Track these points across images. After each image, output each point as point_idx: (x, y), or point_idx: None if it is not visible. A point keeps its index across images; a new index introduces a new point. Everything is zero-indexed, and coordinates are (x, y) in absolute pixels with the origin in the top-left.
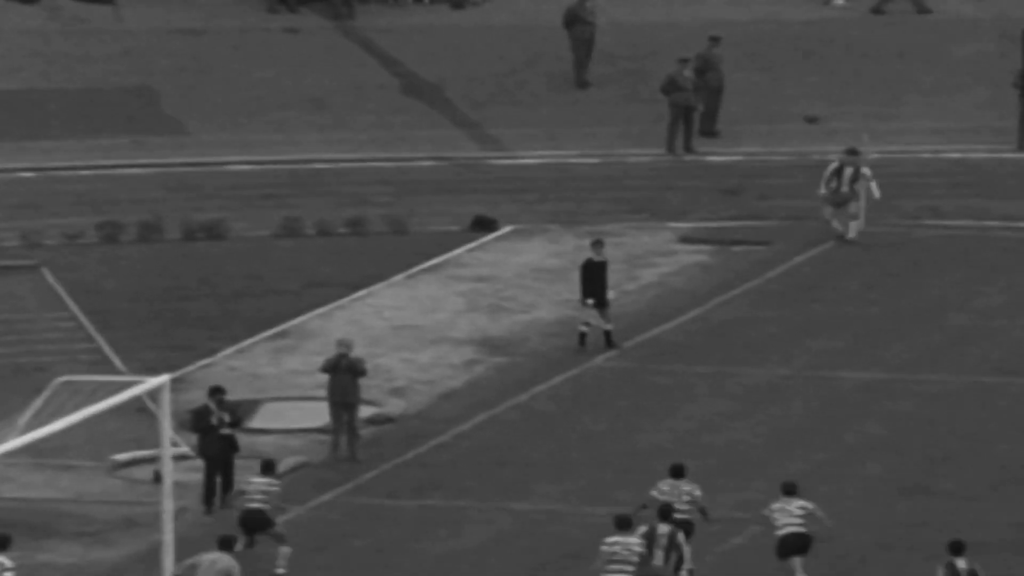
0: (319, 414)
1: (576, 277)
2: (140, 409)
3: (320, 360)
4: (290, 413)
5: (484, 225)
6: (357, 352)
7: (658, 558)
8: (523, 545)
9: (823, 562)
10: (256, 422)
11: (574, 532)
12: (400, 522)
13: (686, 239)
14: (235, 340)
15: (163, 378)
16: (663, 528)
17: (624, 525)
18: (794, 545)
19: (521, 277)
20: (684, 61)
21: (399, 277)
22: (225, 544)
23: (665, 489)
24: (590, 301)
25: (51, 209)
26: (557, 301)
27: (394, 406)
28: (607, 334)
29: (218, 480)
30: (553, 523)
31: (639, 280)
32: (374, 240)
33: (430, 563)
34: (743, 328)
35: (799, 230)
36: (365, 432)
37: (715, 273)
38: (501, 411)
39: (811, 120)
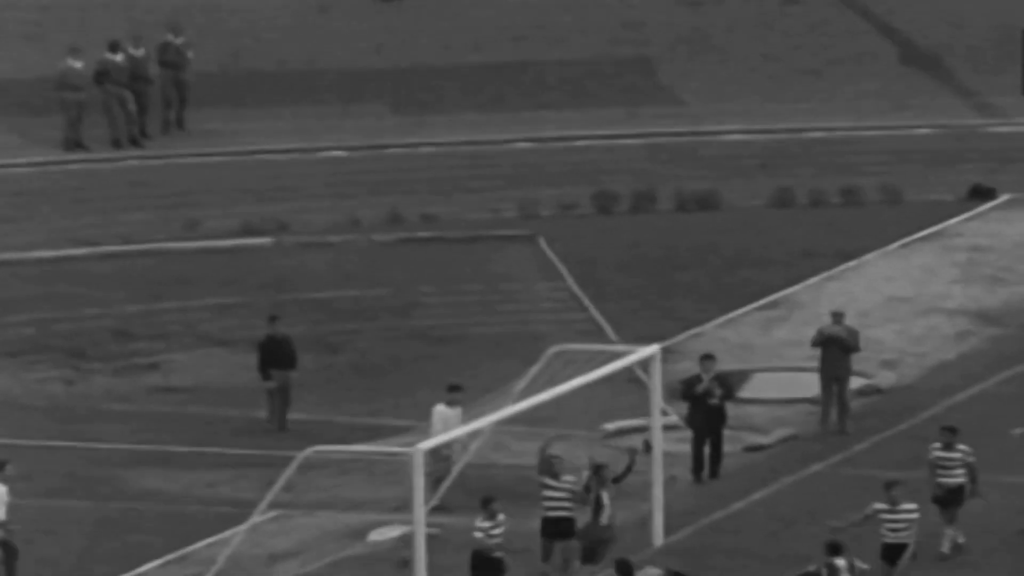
0: (808, 385)
1: None
2: (631, 379)
3: (811, 331)
4: (779, 384)
5: (981, 194)
6: (849, 323)
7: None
8: (1013, 518)
9: None
10: (746, 393)
11: None
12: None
13: None
14: (725, 310)
15: (654, 348)
16: None
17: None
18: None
19: (1019, 247)
20: None
21: (892, 247)
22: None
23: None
24: None
25: (547, 179)
26: None
27: (884, 378)
28: None
29: (706, 451)
30: None
31: None
32: (868, 210)
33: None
34: None
35: None
36: (855, 404)
37: None
38: (993, 384)
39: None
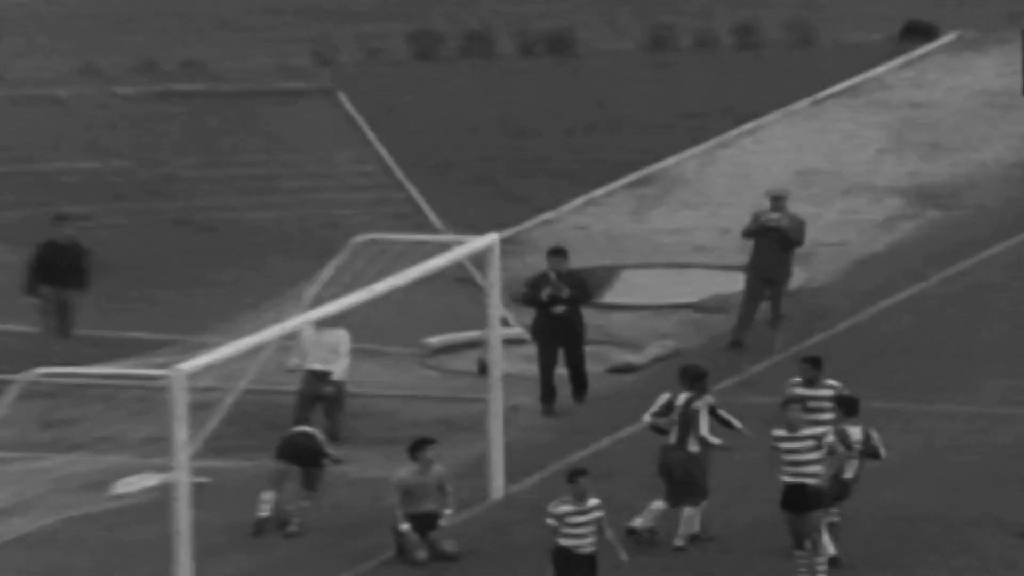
0: (691, 286)
1: None
2: (460, 278)
3: (695, 216)
4: (656, 285)
5: (918, 32)
6: (746, 206)
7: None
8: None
9: None
10: (611, 296)
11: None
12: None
13: None
14: (584, 189)
15: (491, 238)
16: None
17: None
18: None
19: (968, 103)
20: None
21: (801, 105)
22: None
23: None
24: None
25: (349, 14)
26: (1017, 136)
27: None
28: None
29: (561, 371)
30: (1005, 424)
31: None
32: (769, 53)
33: None
34: None
35: None
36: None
37: None
38: (934, 285)
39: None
